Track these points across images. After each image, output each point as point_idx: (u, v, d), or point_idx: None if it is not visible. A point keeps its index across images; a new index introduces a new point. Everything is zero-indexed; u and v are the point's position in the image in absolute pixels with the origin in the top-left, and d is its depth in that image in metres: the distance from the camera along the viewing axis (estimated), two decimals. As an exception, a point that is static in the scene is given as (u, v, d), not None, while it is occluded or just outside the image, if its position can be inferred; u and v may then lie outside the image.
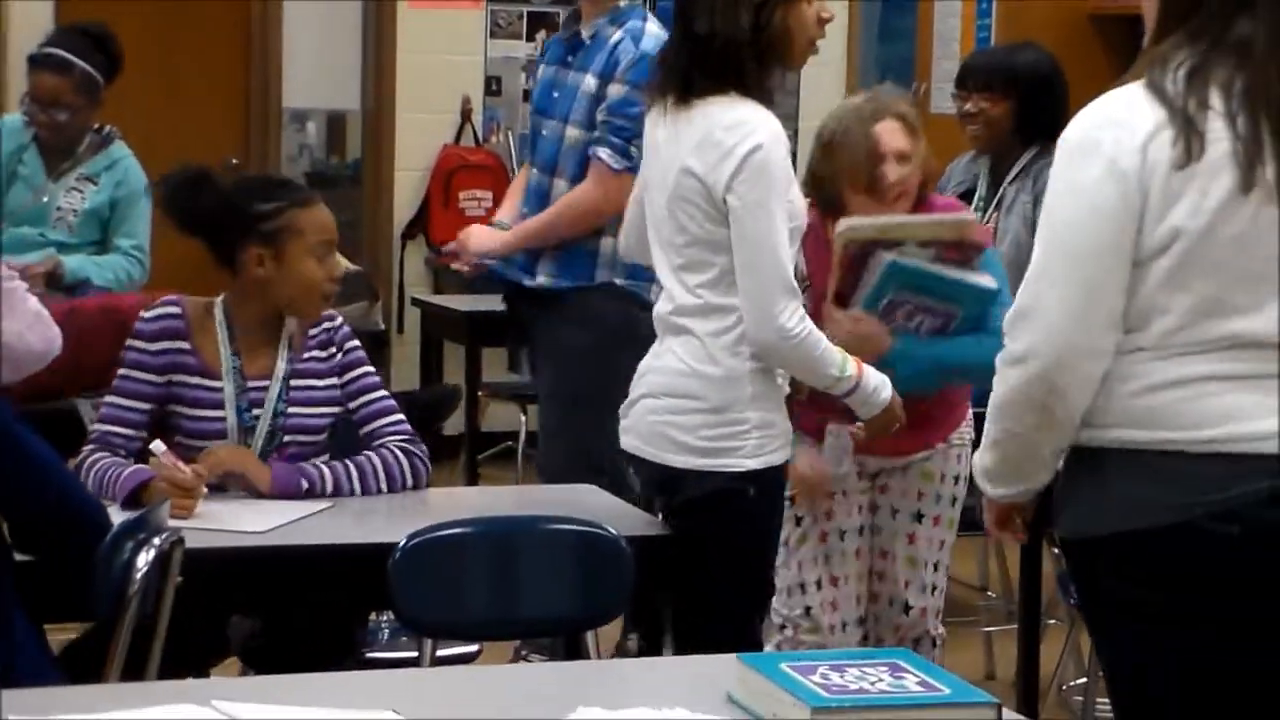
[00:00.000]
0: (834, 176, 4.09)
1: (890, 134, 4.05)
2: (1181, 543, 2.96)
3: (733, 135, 3.67)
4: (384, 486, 3.88)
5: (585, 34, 5.38)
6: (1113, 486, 3.05)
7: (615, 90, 5.27)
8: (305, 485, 3.82)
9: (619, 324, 5.18)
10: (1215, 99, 2.97)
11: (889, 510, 4.14)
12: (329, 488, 3.83)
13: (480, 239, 5.47)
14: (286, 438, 3.94)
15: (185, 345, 3.89)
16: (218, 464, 3.79)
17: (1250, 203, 2.94)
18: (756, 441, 3.74)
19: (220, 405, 3.88)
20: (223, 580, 3.53)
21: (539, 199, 5.42)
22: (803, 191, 3.91)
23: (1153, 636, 3.03)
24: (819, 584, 4.00)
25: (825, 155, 4.11)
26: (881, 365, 3.89)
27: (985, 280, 4.19)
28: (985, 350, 4.08)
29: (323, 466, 3.87)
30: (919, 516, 4.21)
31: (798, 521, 4.03)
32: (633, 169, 5.01)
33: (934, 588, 4.21)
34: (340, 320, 4.05)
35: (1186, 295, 2.98)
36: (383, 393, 4.04)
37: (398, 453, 3.94)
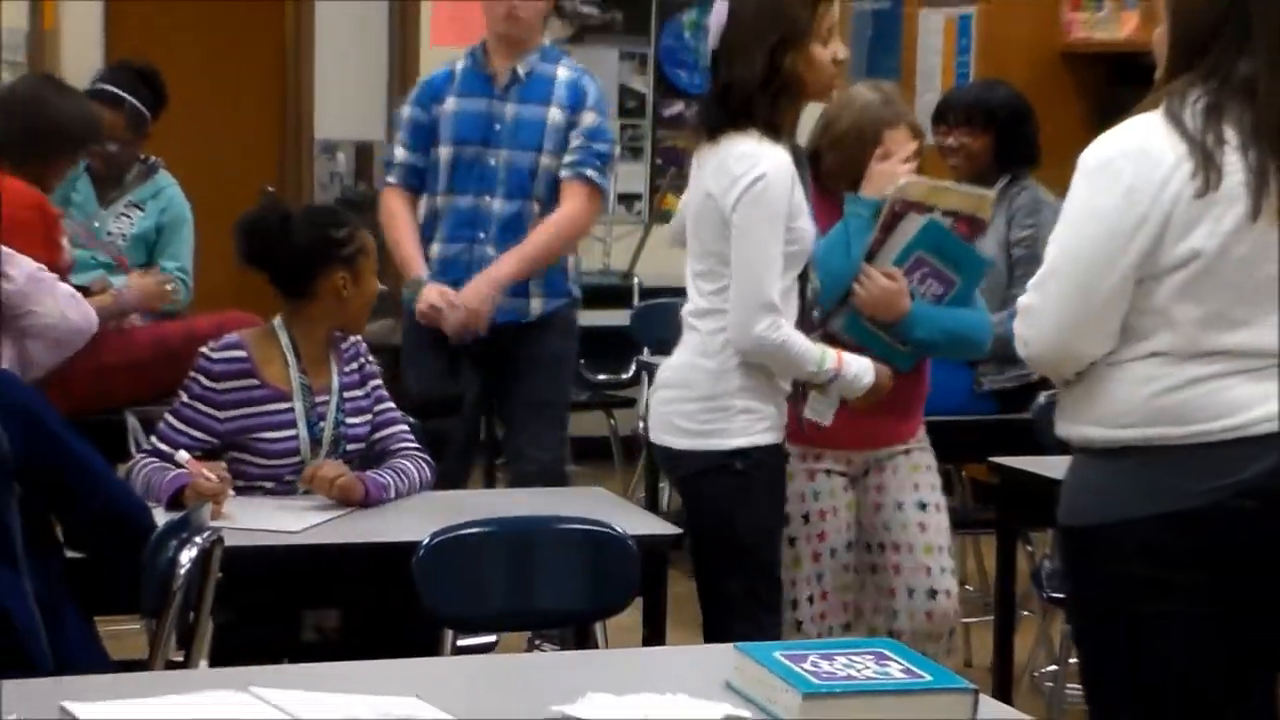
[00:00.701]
0: (838, 162, 4.12)
1: (899, 142, 4.09)
2: (1212, 522, 3.04)
3: (741, 165, 3.76)
4: (415, 490, 3.90)
5: (521, 70, 5.40)
6: (1141, 477, 3.11)
7: (590, 118, 5.37)
8: (384, 494, 3.84)
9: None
10: (1230, 134, 3.03)
11: (893, 505, 4.08)
12: (393, 494, 3.85)
13: (481, 297, 5.24)
14: (349, 447, 3.94)
15: (254, 381, 3.86)
16: (320, 474, 3.77)
17: (1256, 228, 3.02)
18: (742, 423, 3.84)
19: (292, 424, 3.87)
20: (264, 576, 3.55)
21: (515, 226, 5.37)
22: (816, 178, 4.00)
23: (1170, 617, 3.06)
24: (810, 600, 3.97)
25: (833, 144, 4.11)
26: (899, 327, 4.00)
27: (987, 254, 4.36)
28: (982, 325, 4.13)
29: (387, 476, 3.88)
30: (923, 505, 4.16)
31: (791, 543, 3.98)
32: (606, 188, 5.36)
33: (953, 571, 4.16)
34: (358, 337, 4.06)
35: (1198, 308, 3.06)
36: (391, 404, 4.06)
37: (421, 462, 3.97)
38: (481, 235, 5.42)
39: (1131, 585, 3.11)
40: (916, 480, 4.20)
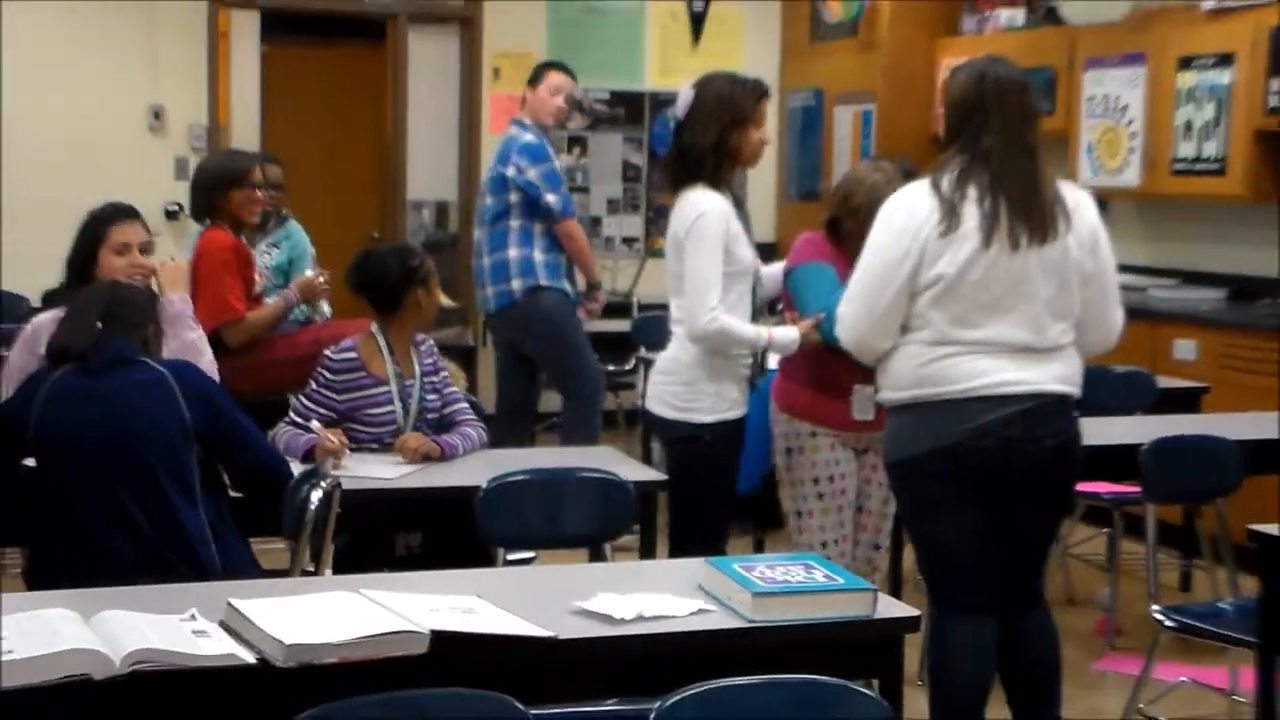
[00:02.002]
0: (855, 227, 3.80)
1: None
2: (960, 453, 3.27)
3: (689, 208, 3.77)
4: (475, 448, 3.88)
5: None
6: (913, 424, 3.34)
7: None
8: (454, 451, 3.81)
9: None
10: (972, 191, 3.26)
11: (876, 483, 3.93)
12: (460, 452, 3.83)
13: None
14: (429, 415, 3.91)
15: (362, 373, 3.84)
16: (407, 446, 3.73)
17: (987, 257, 3.23)
18: (710, 403, 3.82)
19: (390, 402, 3.84)
20: (370, 510, 3.52)
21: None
22: (824, 230, 3.92)
23: (939, 509, 3.34)
24: (836, 541, 3.89)
25: (850, 214, 3.85)
26: None
27: None
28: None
29: (456, 439, 3.85)
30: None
31: (820, 497, 3.88)
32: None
33: (889, 531, 4.08)
34: (428, 336, 4.05)
35: (945, 313, 3.28)
36: (453, 385, 4.04)
37: (479, 427, 3.95)
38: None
39: (919, 494, 3.38)
40: None
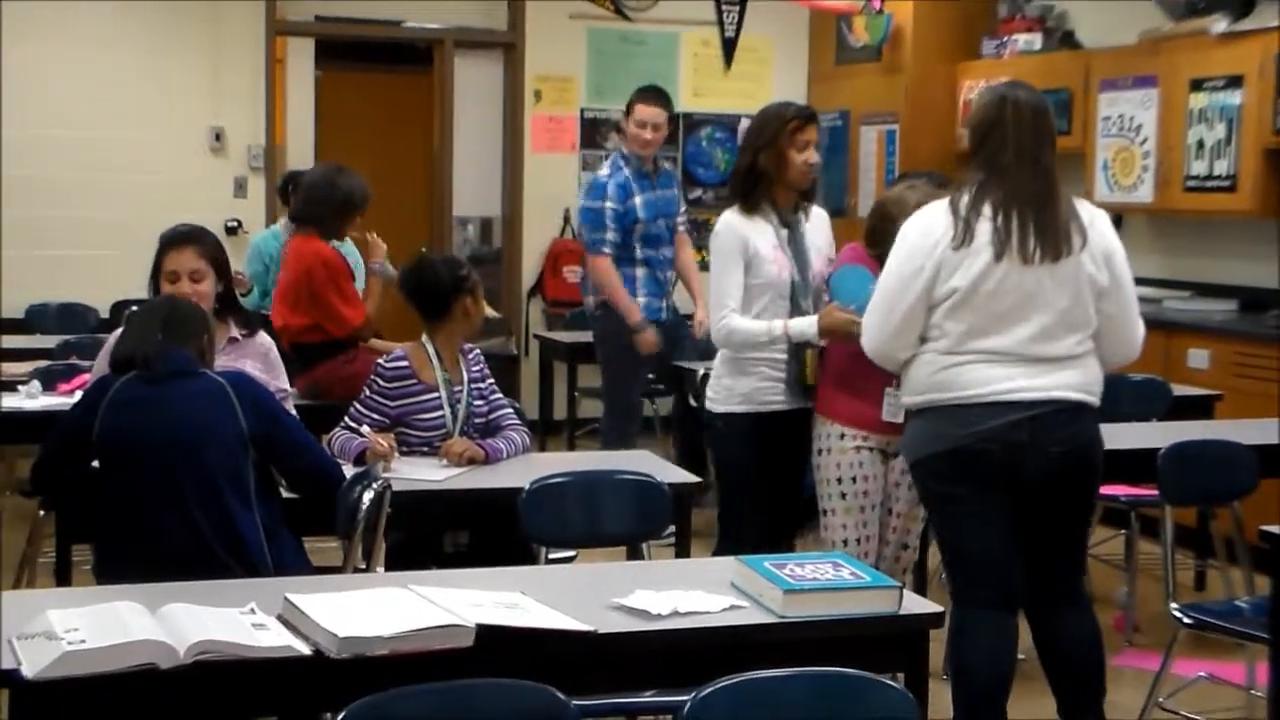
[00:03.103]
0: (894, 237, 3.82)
1: None
2: (966, 457, 3.29)
3: (717, 227, 3.94)
4: (519, 452, 3.88)
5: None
6: (926, 428, 3.37)
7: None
8: (499, 455, 3.81)
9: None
10: (986, 208, 3.27)
11: (906, 485, 3.84)
12: (505, 456, 3.82)
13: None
14: (476, 420, 3.91)
15: (413, 381, 3.84)
16: (453, 450, 3.72)
17: (999, 270, 3.25)
18: (723, 396, 3.95)
19: (439, 407, 3.84)
20: (419, 510, 3.53)
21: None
22: (864, 242, 3.89)
23: (953, 509, 3.36)
24: (858, 541, 3.84)
25: (888, 223, 3.76)
26: None
27: None
28: None
29: (501, 443, 3.84)
30: None
31: (843, 497, 3.84)
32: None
33: (919, 533, 4.01)
34: (474, 345, 4.05)
35: (960, 324, 3.30)
36: (499, 392, 4.02)
37: (524, 432, 3.95)
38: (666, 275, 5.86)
39: (935, 493, 3.40)
40: None
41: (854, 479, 3.86)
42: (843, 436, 3.85)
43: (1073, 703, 3.43)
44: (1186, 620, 3.61)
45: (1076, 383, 3.29)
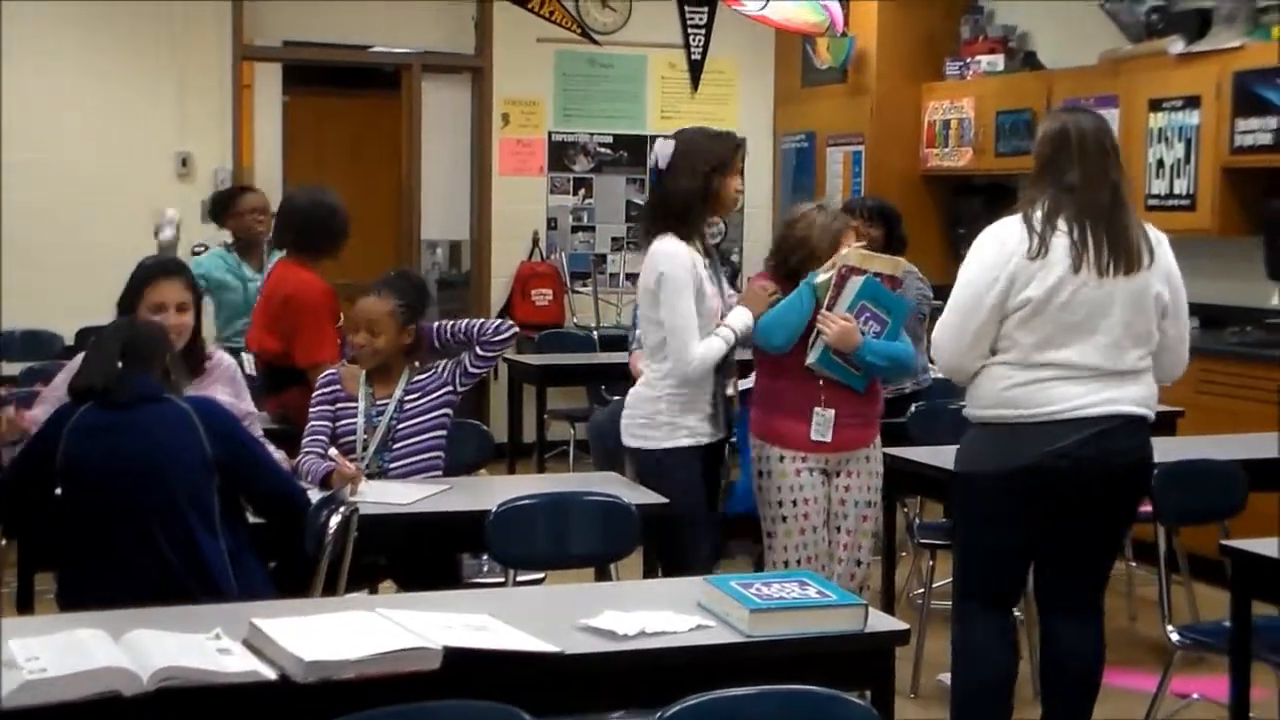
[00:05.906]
0: (804, 257, 3.90)
1: (848, 236, 3.96)
2: (1037, 474, 3.29)
3: (658, 259, 3.80)
4: (468, 331, 3.94)
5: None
6: (992, 442, 3.36)
7: None
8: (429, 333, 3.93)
9: None
10: (1061, 222, 3.31)
11: (851, 503, 3.89)
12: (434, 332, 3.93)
13: None
14: (399, 438, 3.84)
15: (338, 391, 3.88)
16: (342, 474, 3.63)
17: (1075, 281, 3.28)
18: (665, 432, 3.83)
19: (354, 418, 3.85)
20: (385, 534, 3.50)
21: None
22: (767, 263, 3.95)
23: (992, 528, 3.37)
24: (799, 563, 3.83)
25: (798, 244, 3.91)
26: (854, 355, 3.84)
27: (909, 299, 4.33)
28: (910, 353, 4.05)
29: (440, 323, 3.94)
30: (870, 504, 3.97)
31: (783, 520, 3.85)
32: None
33: (872, 549, 4.03)
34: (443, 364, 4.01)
35: (1031, 334, 3.31)
36: (446, 406, 3.93)
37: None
38: None
39: (975, 508, 3.42)
40: (869, 484, 3.97)
41: (794, 501, 3.86)
42: (781, 459, 3.86)
43: (1059, 716, 3.46)
44: (1181, 640, 3.64)
45: (1140, 397, 3.35)
